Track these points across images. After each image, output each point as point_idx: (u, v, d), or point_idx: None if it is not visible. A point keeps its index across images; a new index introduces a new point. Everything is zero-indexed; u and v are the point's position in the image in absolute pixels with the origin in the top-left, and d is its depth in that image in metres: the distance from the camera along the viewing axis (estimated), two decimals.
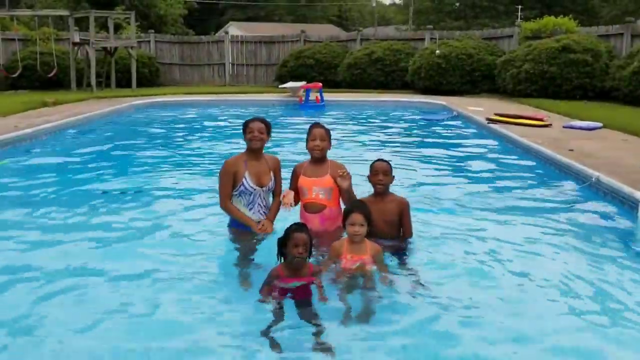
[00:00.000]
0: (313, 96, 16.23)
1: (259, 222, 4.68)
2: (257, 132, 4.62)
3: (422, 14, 49.56)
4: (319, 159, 4.64)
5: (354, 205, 4.09)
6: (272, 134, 4.80)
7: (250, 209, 4.69)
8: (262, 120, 4.73)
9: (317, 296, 3.68)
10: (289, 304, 3.63)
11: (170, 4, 41.63)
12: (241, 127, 4.74)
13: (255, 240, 4.61)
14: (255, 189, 4.64)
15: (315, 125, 4.71)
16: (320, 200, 4.59)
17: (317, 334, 3.31)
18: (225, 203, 4.67)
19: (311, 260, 3.89)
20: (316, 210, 4.60)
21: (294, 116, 14.20)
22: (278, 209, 4.81)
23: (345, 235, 4.10)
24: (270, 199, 4.83)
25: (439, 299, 3.79)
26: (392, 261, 4.27)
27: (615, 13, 38.38)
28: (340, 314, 3.51)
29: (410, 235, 4.56)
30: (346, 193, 4.49)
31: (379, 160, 4.58)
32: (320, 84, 17.00)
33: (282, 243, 3.72)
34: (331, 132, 4.74)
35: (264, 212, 4.75)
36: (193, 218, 5.53)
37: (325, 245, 4.38)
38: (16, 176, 7.51)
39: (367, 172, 4.54)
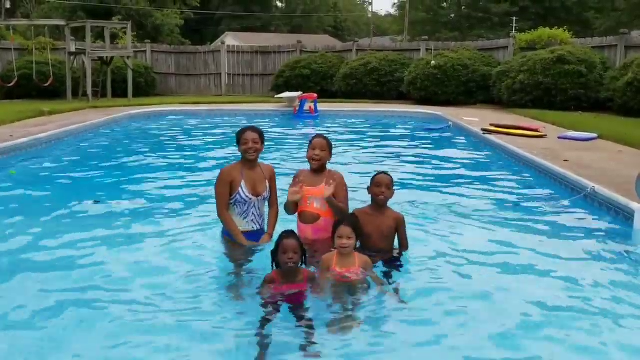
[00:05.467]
0: (308, 106, 16.30)
1: (255, 230, 4.68)
2: (251, 142, 4.61)
3: (417, 25, 49.81)
4: (317, 169, 4.65)
5: (343, 217, 4.09)
6: (266, 144, 4.81)
7: (244, 218, 4.67)
8: (256, 130, 4.71)
9: (310, 300, 3.72)
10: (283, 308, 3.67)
11: (167, 14, 41.79)
12: (235, 137, 4.74)
13: (248, 249, 4.59)
14: (250, 199, 4.62)
15: (317, 135, 4.73)
16: (315, 209, 4.57)
17: (307, 340, 3.33)
18: (222, 212, 4.66)
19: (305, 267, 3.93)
20: (310, 220, 4.59)
21: (287, 126, 14.25)
22: (276, 220, 4.80)
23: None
24: (265, 208, 4.82)
25: (430, 311, 3.79)
26: (384, 274, 4.25)
27: (609, 25, 38.66)
28: (331, 323, 3.53)
29: (407, 248, 4.57)
30: (328, 202, 4.46)
31: (382, 172, 4.57)
32: (316, 95, 17.05)
33: (275, 252, 3.81)
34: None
35: (258, 221, 4.73)
36: (187, 226, 5.50)
37: (320, 252, 4.38)
38: (10, 185, 7.48)
39: (368, 184, 4.53)
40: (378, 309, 3.75)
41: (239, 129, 4.77)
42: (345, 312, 3.68)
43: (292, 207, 4.69)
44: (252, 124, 4.91)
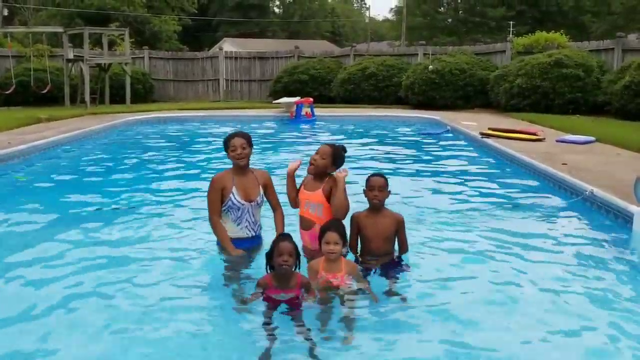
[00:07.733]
0: (304, 111, 16.36)
1: (250, 237, 4.68)
2: (240, 148, 4.57)
3: (414, 30, 49.91)
4: (312, 173, 4.61)
5: (329, 223, 4.07)
6: (264, 148, 4.80)
7: (238, 225, 4.65)
8: (243, 135, 4.68)
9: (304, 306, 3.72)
10: (277, 315, 3.66)
11: (165, 21, 41.87)
12: (223, 144, 4.72)
13: (244, 257, 4.58)
14: (243, 204, 4.60)
15: (327, 144, 4.66)
16: (310, 215, 4.52)
17: (310, 349, 3.31)
18: (213, 219, 4.64)
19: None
20: (307, 226, 4.56)
21: (285, 131, 14.28)
22: (284, 222, 4.73)
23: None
24: (262, 214, 4.80)
25: (430, 315, 3.78)
26: (383, 276, 4.25)
27: (605, 28, 38.80)
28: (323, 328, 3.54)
29: (406, 250, 4.54)
30: (338, 191, 4.34)
31: (375, 174, 4.51)
32: (311, 99, 17.15)
33: (269, 255, 3.79)
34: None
35: (252, 227, 4.71)
36: (185, 233, 5.50)
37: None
38: (8, 192, 7.46)
39: (363, 186, 4.51)
40: (368, 313, 3.74)
41: (225, 136, 4.75)
42: (335, 317, 3.66)
43: (291, 189, 4.60)
44: (239, 129, 4.88)
